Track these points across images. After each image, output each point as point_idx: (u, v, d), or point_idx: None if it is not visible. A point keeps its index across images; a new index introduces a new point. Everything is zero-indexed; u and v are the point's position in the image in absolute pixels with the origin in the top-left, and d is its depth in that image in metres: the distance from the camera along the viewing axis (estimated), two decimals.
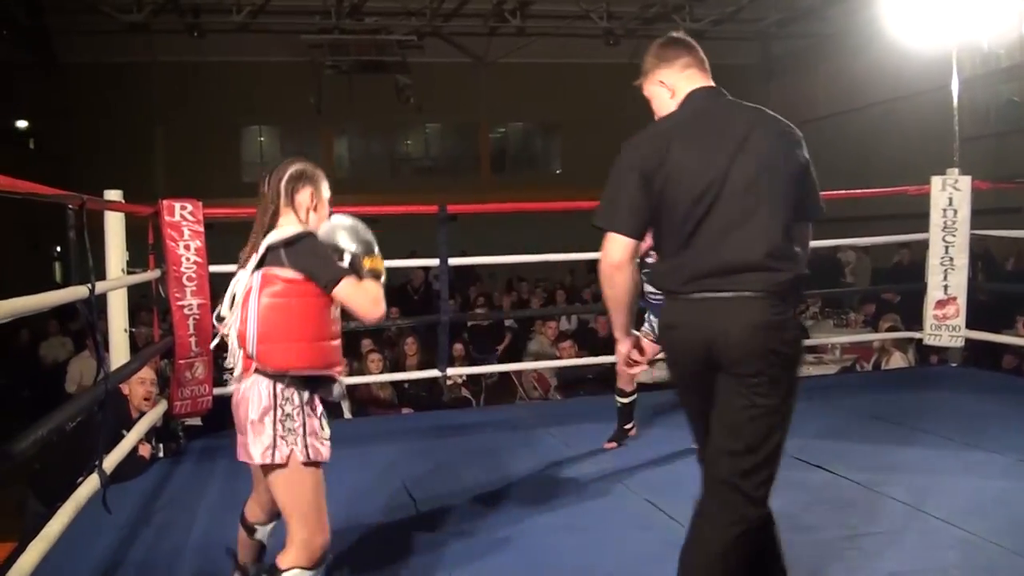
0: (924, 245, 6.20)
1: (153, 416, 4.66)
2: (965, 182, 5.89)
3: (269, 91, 17.81)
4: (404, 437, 5.13)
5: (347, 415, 6.31)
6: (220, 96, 17.85)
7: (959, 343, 6.01)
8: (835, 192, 8.26)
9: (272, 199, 2.68)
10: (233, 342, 2.61)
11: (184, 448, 4.94)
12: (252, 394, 2.57)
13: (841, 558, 3.13)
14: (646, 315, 4.48)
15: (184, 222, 4.82)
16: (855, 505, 3.66)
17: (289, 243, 2.55)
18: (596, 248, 2.49)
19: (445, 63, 18.65)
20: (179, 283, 4.78)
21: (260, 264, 2.57)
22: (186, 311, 4.80)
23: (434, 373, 5.89)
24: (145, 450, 4.59)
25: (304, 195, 2.70)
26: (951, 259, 5.88)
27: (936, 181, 5.96)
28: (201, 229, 4.86)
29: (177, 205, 4.81)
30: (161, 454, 4.77)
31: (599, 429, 4.81)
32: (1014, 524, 3.38)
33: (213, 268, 4.89)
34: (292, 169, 2.69)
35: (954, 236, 5.87)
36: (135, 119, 17.38)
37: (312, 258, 2.55)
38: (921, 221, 6.08)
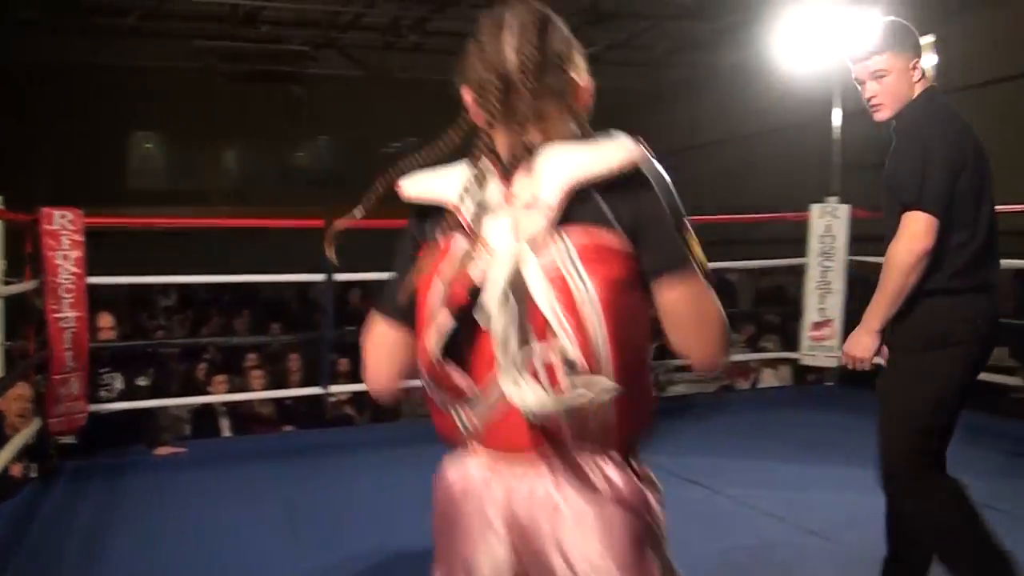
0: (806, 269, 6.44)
1: (27, 434, 4.47)
2: (844, 210, 6.15)
3: (159, 97, 17.35)
4: (285, 455, 5.04)
5: (226, 432, 6.17)
6: (108, 100, 17.30)
7: (834, 363, 6.26)
8: (720, 216, 8.49)
9: (536, 83, 1.30)
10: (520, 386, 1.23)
11: (57, 467, 4.75)
12: (588, 508, 1.30)
13: (713, 573, 3.21)
14: None
15: (63, 231, 4.65)
16: (729, 520, 3.77)
17: (621, 180, 1.26)
18: None
19: (340, 75, 18.51)
20: (56, 295, 4.61)
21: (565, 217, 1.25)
22: (62, 324, 4.63)
23: (316, 390, 5.81)
24: (17, 470, 4.40)
25: (587, 80, 1.43)
26: (828, 283, 6.12)
27: (815, 209, 6.21)
28: (81, 239, 4.70)
29: (56, 213, 4.65)
30: (34, 474, 4.58)
31: None
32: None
33: (92, 279, 4.74)
34: (561, 26, 1.39)
35: (832, 261, 6.12)
36: (19, 121, 16.70)
37: (664, 219, 1.30)
38: (803, 246, 6.32)
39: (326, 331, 5.63)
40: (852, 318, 6.28)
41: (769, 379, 7.17)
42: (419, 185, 1.37)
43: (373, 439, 5.53)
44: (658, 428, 4.63)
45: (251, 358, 7.06)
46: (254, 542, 3.62)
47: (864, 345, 2.60)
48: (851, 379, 6.81)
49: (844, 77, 6.92)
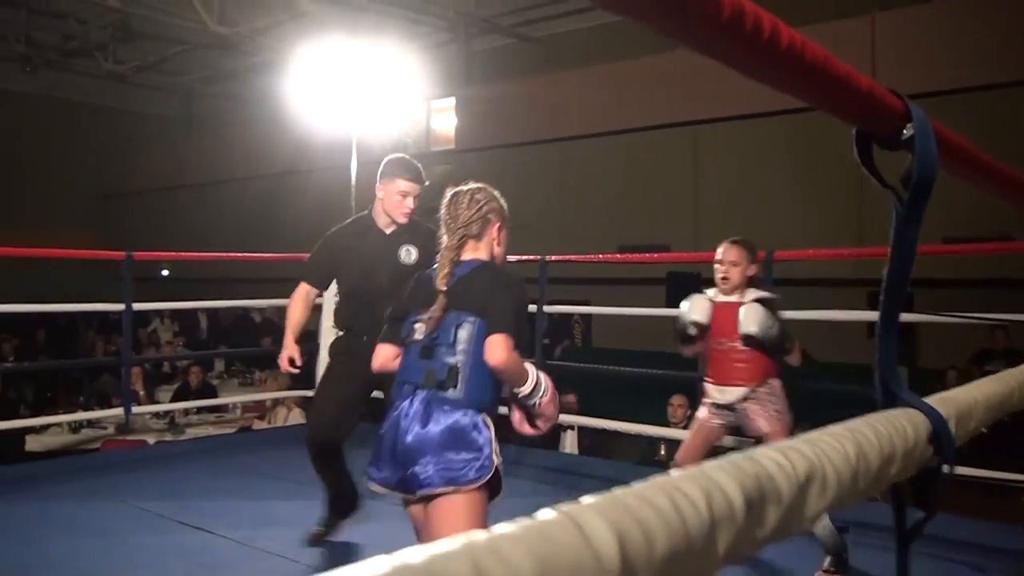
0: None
1: None
2: None
3: None
4: None
5: None
6: None
7: None
8: (246, 255, 8.48)
9: None
10: None
11: None
12: None
13: None
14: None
15: None
16: (232, 563, 3.77)
17: None
18: None
19: None
20: None
21: None
22: None
23: None
24: None
25: None
26: None
27: None
28: None
29: None
30: None
31: None
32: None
33: None
34: None
35: None
36: None
37: None
38: None
39: None
40: None
41: (284, 418, 7.26)
42: None
43: None
44: (169, 475, 4.47)
45: None
46: None
47: None
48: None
49: (360, 126, 7.33)
